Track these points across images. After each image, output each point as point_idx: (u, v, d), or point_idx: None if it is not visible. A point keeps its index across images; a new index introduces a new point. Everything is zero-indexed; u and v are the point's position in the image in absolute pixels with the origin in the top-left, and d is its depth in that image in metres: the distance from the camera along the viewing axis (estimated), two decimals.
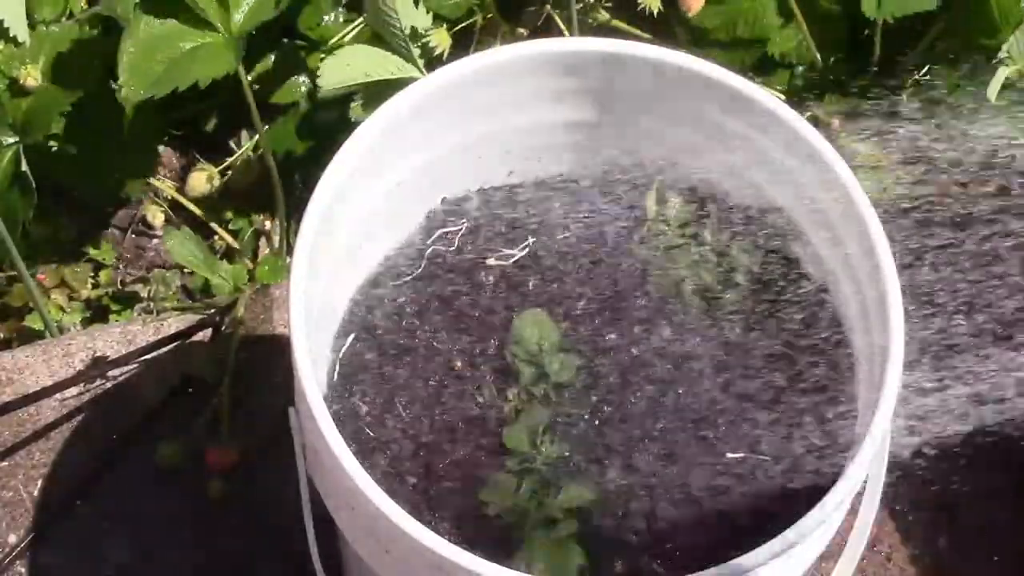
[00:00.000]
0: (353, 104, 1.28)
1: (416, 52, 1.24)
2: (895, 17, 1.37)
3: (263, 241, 1.50)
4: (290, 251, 1.42)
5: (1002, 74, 1.31)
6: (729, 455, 0.99)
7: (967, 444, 1.10)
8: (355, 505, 0.91)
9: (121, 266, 1.51)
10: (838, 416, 0.98)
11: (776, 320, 1.04)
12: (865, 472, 0.91)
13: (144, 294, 1.47)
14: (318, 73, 1.26)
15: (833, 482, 0.90)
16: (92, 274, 1.49)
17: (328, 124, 1.45)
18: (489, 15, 1.43)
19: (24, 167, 1.31)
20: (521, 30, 1.44)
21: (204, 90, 1.27)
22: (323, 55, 1.45)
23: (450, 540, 0.89)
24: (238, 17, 1.28)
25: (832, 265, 1.03)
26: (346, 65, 1.25)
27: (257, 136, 1.44)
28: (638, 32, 1.43)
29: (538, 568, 0.94)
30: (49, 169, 1.39)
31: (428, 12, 1.24)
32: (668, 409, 1.01)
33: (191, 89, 1.26)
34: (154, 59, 1.25)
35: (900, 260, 0.97)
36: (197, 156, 1.53)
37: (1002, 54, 1.32)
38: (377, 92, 1.25)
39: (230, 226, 1.50)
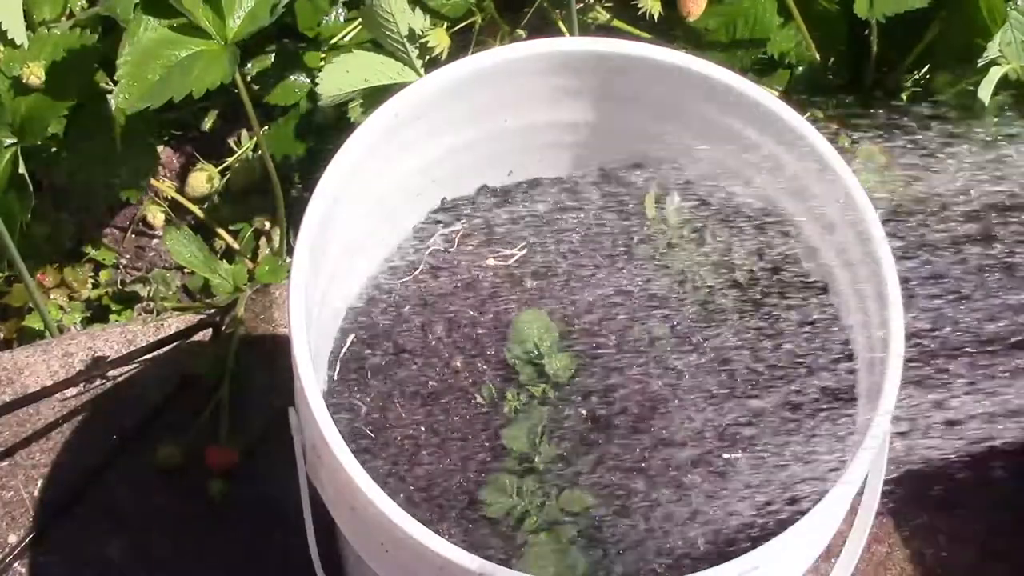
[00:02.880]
0: (352, 105, 1.28)
1: (415, 54, 1.24)
2: (888, 17, 1.37)
3: (263, 241, 1.50)
4: (290, 251, 1.42)
5: (995, 74, 1.30)
6: (728, 455, 0.99)
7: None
8: (355, 505, 0.91)
9: (121, 266, 1.51)
10: (838, 416, 0.98)
11: (776, 320, 1.04)
12: (865, 472, 0.91)
13: (144, 294, 1.47)
14: (317, 81, 1.26)
15: (833, 482, 0.90)
16: (92, 274, 1.49)
17: (328, 124, 1.45)
18: (488, 15, 1.43)
19: (22, 169, 1.30)
20: (520, 31, 1.44)
21: None
22: (323, 55, 1.45)
23: (450, 540, 0.89)
24: (233, 24, 1.27)
25: (832, 265, 1.03)
26: (345, 72, 1.25)
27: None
28: (638, 32, 1.43)
29: (539, 569, 0.94)
30: (49, 169, 1.39)
31: (425, 14, 1.24)
32: (667, 409, 1.01)
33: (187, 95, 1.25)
34: (150, 68, 1.25)
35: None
36: (197, 156, 1.52)
37: (992, 53, 1.31)
38: (376, 96, 1.25)
39: (230, 226, 1.50)
